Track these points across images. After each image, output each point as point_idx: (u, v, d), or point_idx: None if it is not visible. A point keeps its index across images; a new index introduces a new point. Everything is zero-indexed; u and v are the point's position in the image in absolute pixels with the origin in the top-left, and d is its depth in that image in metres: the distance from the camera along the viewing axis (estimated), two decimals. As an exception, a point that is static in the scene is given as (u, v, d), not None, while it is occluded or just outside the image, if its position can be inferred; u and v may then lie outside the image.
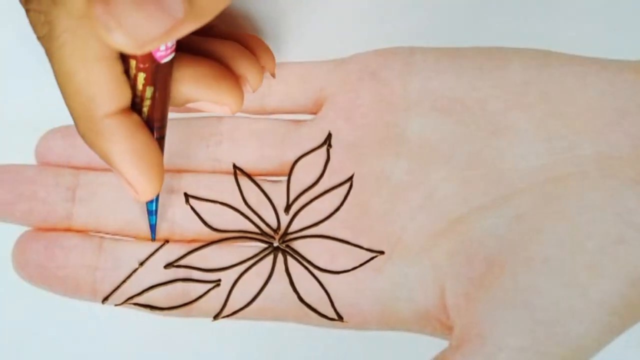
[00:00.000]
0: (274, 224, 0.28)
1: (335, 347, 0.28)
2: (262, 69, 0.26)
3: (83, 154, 0.28)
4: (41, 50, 0.22)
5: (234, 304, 0.27)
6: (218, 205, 0.28)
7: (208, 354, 0.29)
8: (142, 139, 0.23)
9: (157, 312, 0.27)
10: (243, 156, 0.28)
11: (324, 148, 0.28)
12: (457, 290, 0.26)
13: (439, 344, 0.26)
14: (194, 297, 0.27)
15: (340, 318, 0.27)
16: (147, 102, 0.23)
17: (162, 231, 0.28)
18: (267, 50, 0.27)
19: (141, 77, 0.22)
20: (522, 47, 0.28)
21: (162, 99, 0.23)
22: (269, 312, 0.27)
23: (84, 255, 0.27)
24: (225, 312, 0.27)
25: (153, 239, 0.27)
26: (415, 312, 0.26)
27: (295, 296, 0.27)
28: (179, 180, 0.28)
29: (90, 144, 0.23)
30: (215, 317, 0.27)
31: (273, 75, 0.27)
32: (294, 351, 0.29)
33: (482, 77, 0.27)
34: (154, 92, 0.23)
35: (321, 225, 0.28)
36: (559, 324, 0.24)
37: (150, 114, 0.23)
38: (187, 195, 0.28)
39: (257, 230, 0.28)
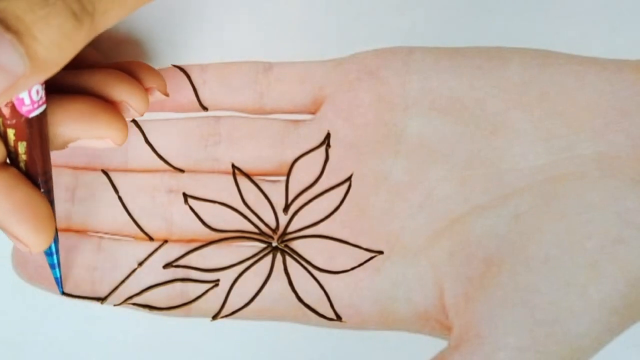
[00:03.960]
0: (273, 224, 0.28)
1: (334, 347, 0.28)
2: (148, 90, 0.26)
3: (82, 154, 0.28)
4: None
5: (232, 304, 0.27)
6: (217, 205, 0.28)
7: (207, 354, 0.29)
8: (23, 194, 0.22)
9: (156, 312, 0.27)
10: (242, 156, 0.28)
11: (323, 148, 0.28)
12: (456, 290, 0.25)
13: (438, 344, 0.26)
14: (192, 297, 0.27)
15: (339, 318, 0.27)
16: (23, 157, 0.22)
17: (161, 231, 0.28)
18: (151, 70, 0.26)
19: (11, 133, 0.22)
20: (522, 47, 0.28)
21: (39, 153, 0.23)
22: (267, 312, 0.27)
23: (83, 255, 0.27)
24: (224, 312, 0.27)
25: (61, 292, 0.27)
26: (414, 312, 0.26)
27: (294, 296, 0.27)
28: (178, 180, 0.28)
29: None
30: (214, 317, 0.27)
31: (165, 94, 0.26)
32: (293, 351, 0.29)
33: (482, 76, 0.27)
34: (27, 147, 0.22)
35: (320, 225, 0.28)
36: (558, 323, 0.23)
37: (28, 169, 0.23)
38: (185, 195, 0.28)
39: (255, 230, 0.28)
